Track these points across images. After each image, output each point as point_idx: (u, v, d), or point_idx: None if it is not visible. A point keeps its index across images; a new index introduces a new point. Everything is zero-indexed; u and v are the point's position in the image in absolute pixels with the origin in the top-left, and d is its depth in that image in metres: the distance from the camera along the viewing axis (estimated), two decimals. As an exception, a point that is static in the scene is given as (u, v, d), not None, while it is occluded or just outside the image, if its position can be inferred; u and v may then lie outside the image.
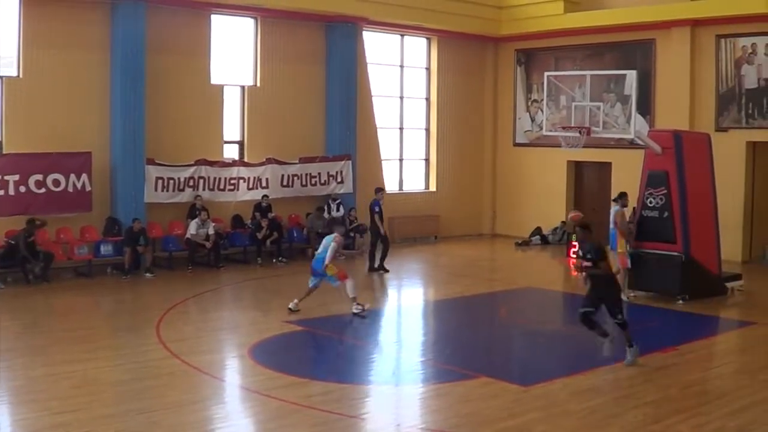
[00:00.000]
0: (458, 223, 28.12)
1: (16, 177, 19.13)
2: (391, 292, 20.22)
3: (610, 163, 25.43)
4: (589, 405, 10.64)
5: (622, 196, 17.84)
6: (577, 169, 27.06)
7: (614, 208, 17.84)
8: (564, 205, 26.84)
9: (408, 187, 27.82)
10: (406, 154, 27.88)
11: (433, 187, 27.92)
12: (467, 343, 14.63)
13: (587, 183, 27.03)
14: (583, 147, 19.17)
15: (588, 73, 20.59)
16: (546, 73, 21.00)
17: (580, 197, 27.02)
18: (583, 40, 26.01)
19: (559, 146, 20.21)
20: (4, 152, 19.65)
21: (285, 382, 11.51)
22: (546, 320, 16.78)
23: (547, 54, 27.25)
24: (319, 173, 24.12)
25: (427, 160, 28.31)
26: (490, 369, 12.51)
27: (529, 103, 27.94)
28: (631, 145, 21.84)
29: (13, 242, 18.50)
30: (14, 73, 19.87)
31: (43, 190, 19.50)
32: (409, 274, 21.83)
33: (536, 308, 17.98)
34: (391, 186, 26.84)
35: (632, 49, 25.02)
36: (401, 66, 27.49)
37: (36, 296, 17.54)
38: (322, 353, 13.86)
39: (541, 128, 24.33)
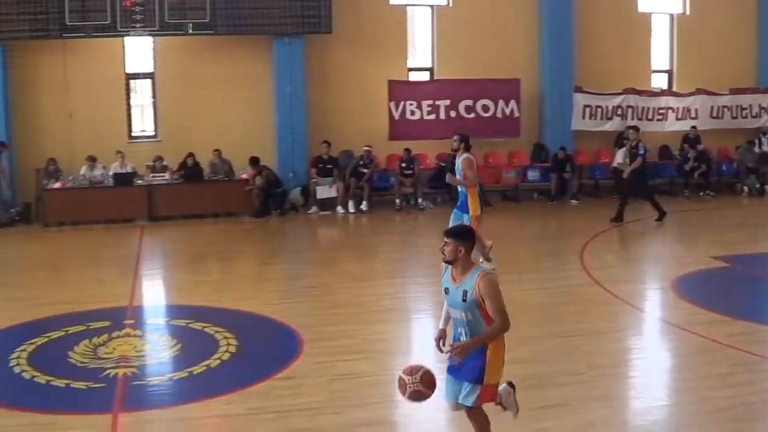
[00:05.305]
0: None
1: (447, 102, 20.21)
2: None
3: None
4: None
5: None
6: None
7: None
8: None
9: None
10: None
11: None
12: None
13: None
14: None
15: None
16: None
17: None
18: None
19: None
20: (436, 78, 20.74)
21: (707, 319, 11.21)
22: None
23: None
24: (750, 105, 23.04)
25: None
26: None
27: None
28: None
29: (443, 164, 19.50)
30: (443, 2, 20.84)
31: (472, 115, 20.45)
32: None
33: None
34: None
35: None
36: None
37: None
38: (748, 292, 13.27)
39: None
